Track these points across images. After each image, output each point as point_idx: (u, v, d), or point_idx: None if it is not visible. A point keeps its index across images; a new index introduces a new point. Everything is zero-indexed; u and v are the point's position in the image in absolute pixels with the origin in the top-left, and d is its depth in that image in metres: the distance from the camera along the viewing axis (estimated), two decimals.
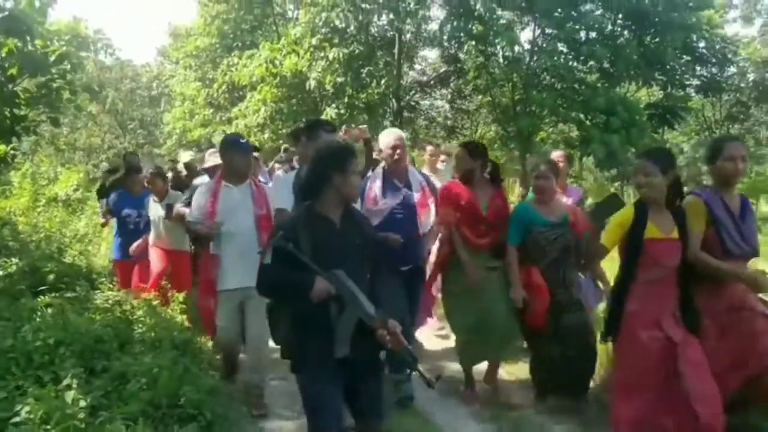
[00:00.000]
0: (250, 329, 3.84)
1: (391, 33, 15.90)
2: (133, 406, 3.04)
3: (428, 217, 4.00)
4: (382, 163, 4.16)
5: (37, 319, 4.08)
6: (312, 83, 13.77)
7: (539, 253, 3.73)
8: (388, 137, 3.99)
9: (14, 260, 4.95)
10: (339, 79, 13.99)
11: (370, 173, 4.24)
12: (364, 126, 4.77)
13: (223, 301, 3.87)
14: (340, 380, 2.45)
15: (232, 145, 3.88)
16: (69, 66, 6.83)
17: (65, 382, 3.00)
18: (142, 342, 4.06)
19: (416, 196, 3.96)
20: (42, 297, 4.59)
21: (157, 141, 26.88)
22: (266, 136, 14.96)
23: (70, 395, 2.90)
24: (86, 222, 8.49)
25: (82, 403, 2.90)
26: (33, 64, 6.28)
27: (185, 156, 7.64)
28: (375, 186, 3.94)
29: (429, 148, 5.97)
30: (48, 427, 2.72)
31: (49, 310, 4.37)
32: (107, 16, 56.41)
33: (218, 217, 3.77)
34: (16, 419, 2.78)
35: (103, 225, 6.55)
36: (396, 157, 3.94)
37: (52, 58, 6.51)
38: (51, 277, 5.00)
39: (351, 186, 2.53)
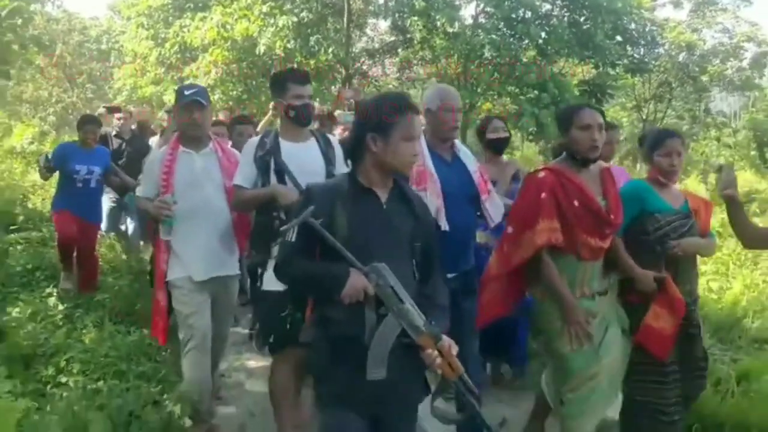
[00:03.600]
0: (214, 327, 3.03)
1: (341, 1, 16.51)
2: (99, 313, 3.98)
3: (494, 207, 2.96)
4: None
5: (11, 250, 4.95)
6: (262, 48, 14.36)
7: (669, 256, 2.73)
8: (444, 95, 2.91)
9: None
10: (289, 46, 14.62)
11: None
12: (358, 87, 5.08)
13: (190, 295, 2.99)
14: (366, 411, 1.90)
15: (179, 98, 3.03)
16: (20, 21, 7.18)
17: (47, 290, 3.90)
18: (105, 271, 4.97)
19: (475, 176, 2.93)
20: (14, 234, 5.42)
21: (107, 96, 26.73)
22: (216, 97, 15.51)
23: (51, 300, 3.82)
24: None
25: (60, 308, 3.82)
26: None
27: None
28: (423, 156, 2.82)
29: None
30: (34, 323, 3.64)
31: (21, 246, 5.23)
32: None
33: (177, 191, 2.96)
34: (7, 317, 3.68)
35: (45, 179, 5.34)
36: (454, 123, 2.90)
37: (4, 13, 6.85)
38: (20, 218, 5.78)
39: (397, 153, 1.91)
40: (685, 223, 2.77)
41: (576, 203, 2.57)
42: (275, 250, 2.57)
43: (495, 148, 3.82)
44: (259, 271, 2.85)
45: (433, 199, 2.70)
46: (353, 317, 1.84)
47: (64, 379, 2.97)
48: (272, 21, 14.21)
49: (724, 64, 22.42)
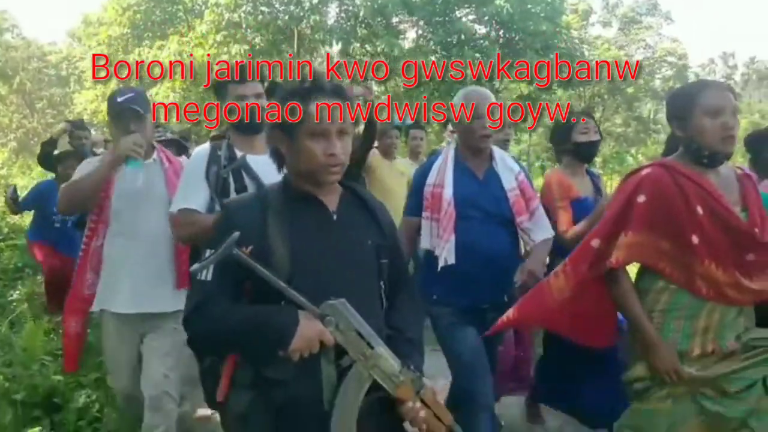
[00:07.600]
0: (147, 374, 2.49)
1: (291, 28, 17.83)
2: None
3: (537, 225, 2.56)
4: (447, 143, 2.77)
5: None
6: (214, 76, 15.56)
7: None
8: (471, 99, 2.48)
9: None
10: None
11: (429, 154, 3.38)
12: (371, 82, 4.22)
13: (114, 330, 2.55)
14: None
15: (111, 105, 2.51)
16: None
17: (38, 279, 5.03)
18: None
19: (511, 195, 2.52)
20: (2, 243, 6.48)
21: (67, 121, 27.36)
22: (174, 120, 16.58)
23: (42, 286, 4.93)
24: None
25: None
26: None
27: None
28: (445, 176, 2.52)
29: (413, 132, 4.72)
30: (33, 301, 4.74)
31: (8, 251, 6.31)
32: None
33: (113, 208, 2.52)
34: (11, 298, 4.78)
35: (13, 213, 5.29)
36: (485, 131, 2.48)
37: None
38: (6, 230, 6.84)
39: (304, 154, 1.45)
40: None
41: (700, 211, 1.84)
42: None
43: (584, 154, 2.93)
44: None
45: (442, 232, 2.41)
46: (305, 375, 1.39)
47: None
48: (225, 49, 15.40)
49: (651, 77, 24.53)
